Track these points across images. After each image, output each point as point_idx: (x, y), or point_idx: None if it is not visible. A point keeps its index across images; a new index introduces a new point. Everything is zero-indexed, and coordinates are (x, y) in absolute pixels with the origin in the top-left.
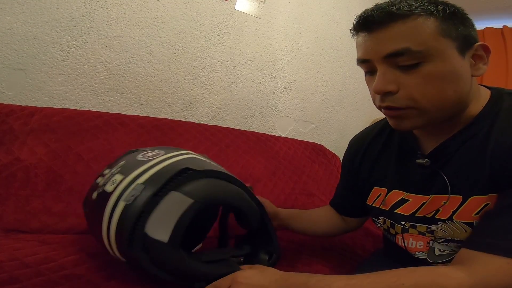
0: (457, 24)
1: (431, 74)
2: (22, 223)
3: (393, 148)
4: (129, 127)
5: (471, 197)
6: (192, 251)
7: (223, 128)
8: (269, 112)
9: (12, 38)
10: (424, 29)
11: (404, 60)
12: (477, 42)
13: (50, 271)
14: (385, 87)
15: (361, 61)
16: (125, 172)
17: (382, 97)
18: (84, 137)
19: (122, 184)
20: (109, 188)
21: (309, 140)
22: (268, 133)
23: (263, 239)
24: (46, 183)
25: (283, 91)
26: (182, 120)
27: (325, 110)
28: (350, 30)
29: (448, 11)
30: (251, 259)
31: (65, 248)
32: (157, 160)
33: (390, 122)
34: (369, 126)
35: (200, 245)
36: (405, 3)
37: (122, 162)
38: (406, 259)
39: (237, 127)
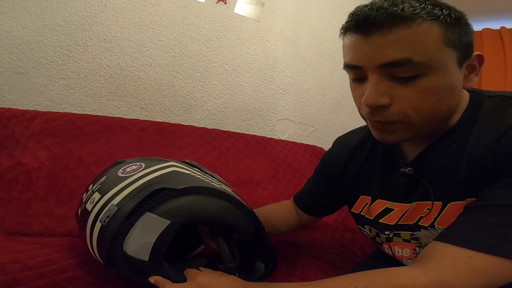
0: (461, 32)
1: (428, 88)
2: (24, 226)
3: (377, 156)
4: (129, 131)
5: (450, 203)
6: (194, 253)
7: (223, 131)
8: (269, 115)
9: (13, 42)
10: (428, 36)
11: (401, 72)
12: (473, 51)
13: (52, 274)
14: (378, 101)
15: (350, 67)
16: (102, 190)
17: (372, 110)
18: (85, 141)
19: (99, 204)
20: (88, 206)
21: (308, 143)
22: (268, 136)
23: (259, 248)
24: (48, 187)
25: (283, 94)
26: (182, 123)
27: (324, 112)
28: (340, 29)
29: (453, 16)
30: (247, 268)
31: (67, 251)
32: (135, 176)
33: (375, 134)
34: (355, 131)
35: (202, 247)
36: (408, 4)
37: (102, 179)
38: (398, 262)
39: (237, 130)
